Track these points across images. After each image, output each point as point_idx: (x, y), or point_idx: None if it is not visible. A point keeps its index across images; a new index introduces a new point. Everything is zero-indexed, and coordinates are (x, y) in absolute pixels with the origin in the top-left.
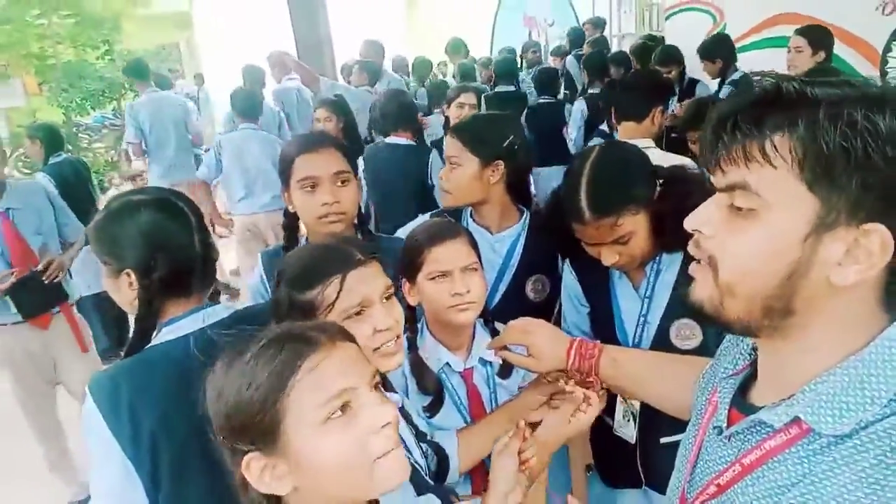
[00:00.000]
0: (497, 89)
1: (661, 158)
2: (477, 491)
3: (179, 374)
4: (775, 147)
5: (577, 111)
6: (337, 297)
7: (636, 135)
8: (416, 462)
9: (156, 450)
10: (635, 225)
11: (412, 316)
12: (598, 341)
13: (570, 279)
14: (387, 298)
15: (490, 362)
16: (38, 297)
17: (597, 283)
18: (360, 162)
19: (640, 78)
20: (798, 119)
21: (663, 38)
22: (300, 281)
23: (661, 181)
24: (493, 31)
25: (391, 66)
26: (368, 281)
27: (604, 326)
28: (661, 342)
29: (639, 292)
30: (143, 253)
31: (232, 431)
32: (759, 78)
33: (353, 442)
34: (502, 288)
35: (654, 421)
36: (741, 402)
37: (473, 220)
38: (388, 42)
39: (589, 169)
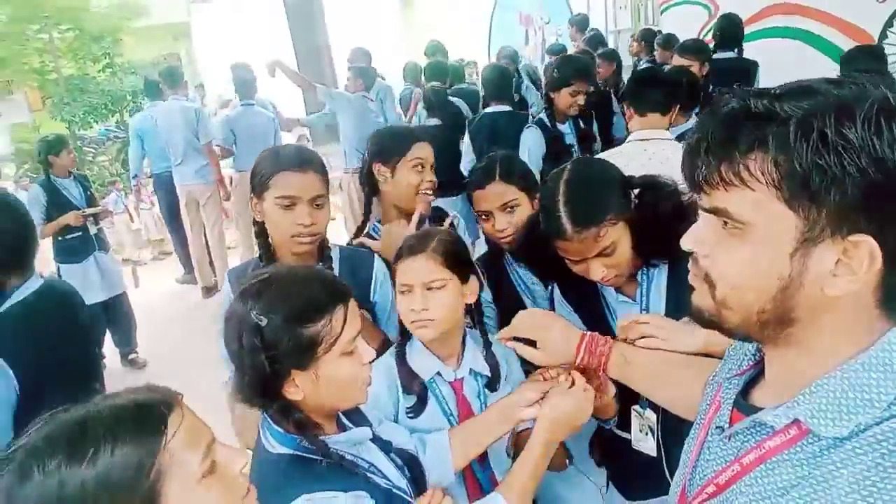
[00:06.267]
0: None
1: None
2: (471, 494)
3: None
4: (749, 170)
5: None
6: (342, 329)
7: (659, 126)
8: (398, 488)
9: None
10: (617, 234)
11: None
12: (609, 337)
13: (564, 311)
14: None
15: (481, 374)
16: None
17: (591, 308)
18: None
19: (667, 74)
20: (768, 138)
21: (660, 31)
22: (300, 313)
23: (635, 191)
24: (490, 30)
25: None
26: (355, 313)
27: None
28: None
29: (636, 301)
30: None
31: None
32: (728, 96)
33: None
34: None
35: (677, 427)
36: (743, 402)
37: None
38: (385, 46)
39: (564, 185)
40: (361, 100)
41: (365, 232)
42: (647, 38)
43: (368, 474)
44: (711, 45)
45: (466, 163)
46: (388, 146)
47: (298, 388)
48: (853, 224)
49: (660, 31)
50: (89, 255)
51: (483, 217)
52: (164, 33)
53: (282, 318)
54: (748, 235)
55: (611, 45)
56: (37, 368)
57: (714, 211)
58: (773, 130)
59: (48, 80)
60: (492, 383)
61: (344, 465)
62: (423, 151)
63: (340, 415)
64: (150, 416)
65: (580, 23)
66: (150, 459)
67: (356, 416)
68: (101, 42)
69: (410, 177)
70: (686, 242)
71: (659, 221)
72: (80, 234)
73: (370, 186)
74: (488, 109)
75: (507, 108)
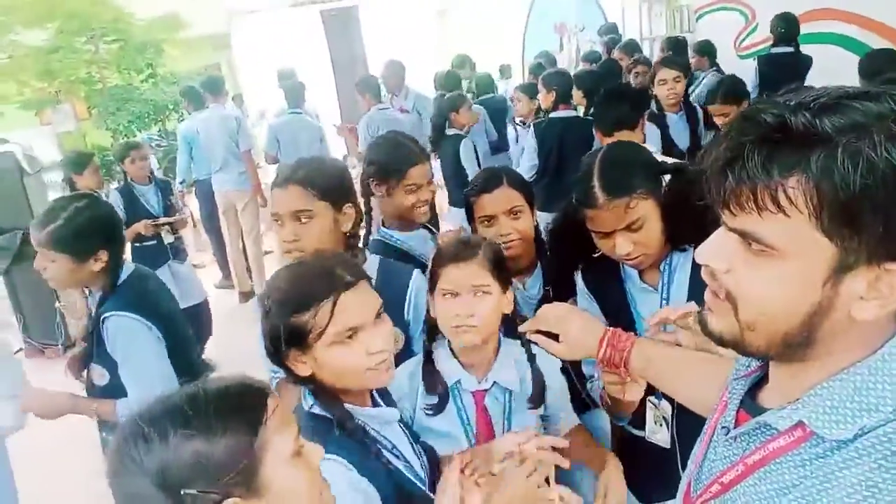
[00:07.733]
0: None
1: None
2: None
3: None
4: (788, 197)
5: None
6: (329, 322)
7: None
8: (415, 474)
9: None
10: (646, 210)
11: (434, 326)
12: (632, 333)
13: (586, 302)
14: (377, 317)
15: (511, 390)
16: None
17: (613, 297)
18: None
19: (626, 88)
20: (810, 161)
21: (685, 39)
22: (290, 304)
23: (667, 177)
24: (524, 39)
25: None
26: (359, 303)
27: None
28: None
29: (657, 291)
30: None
31: None
32: (759, 106)
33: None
34: None
35: (692, 422)
36: (750, 403)
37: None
38: (421, 56)
39: (600, 158)
40: (378, 113)
41: (371, 236)
42: (672, 46)
43: (388, 454)
44: (769, 43)
45: (527, 167)
46: (384, 167)
47: (305, 364)
48: (891, 252)
49: (684, 39)
50: (163, 264)
51: (486, 222)
52: (205, 44)
53: (277, 306)
54: (776, 259)
55: (646, 52)
56: (166, 329)
57: (741, 233)
58: (815, 153)
59: (94, 90)
60: (536, 398)
61: (360, 438)
62: (418, 175)
63: (374, 393)
64: (253, 394)
65: (610, 30)
66: (254, 433)
67: (387, 398)
68: (144, 53)
69: (406, 199)
70: (702, 257)
71: (688, 205)
72: (153, 242)
73: (367, 196)
74: (555, 114)
75: (573, 112)
